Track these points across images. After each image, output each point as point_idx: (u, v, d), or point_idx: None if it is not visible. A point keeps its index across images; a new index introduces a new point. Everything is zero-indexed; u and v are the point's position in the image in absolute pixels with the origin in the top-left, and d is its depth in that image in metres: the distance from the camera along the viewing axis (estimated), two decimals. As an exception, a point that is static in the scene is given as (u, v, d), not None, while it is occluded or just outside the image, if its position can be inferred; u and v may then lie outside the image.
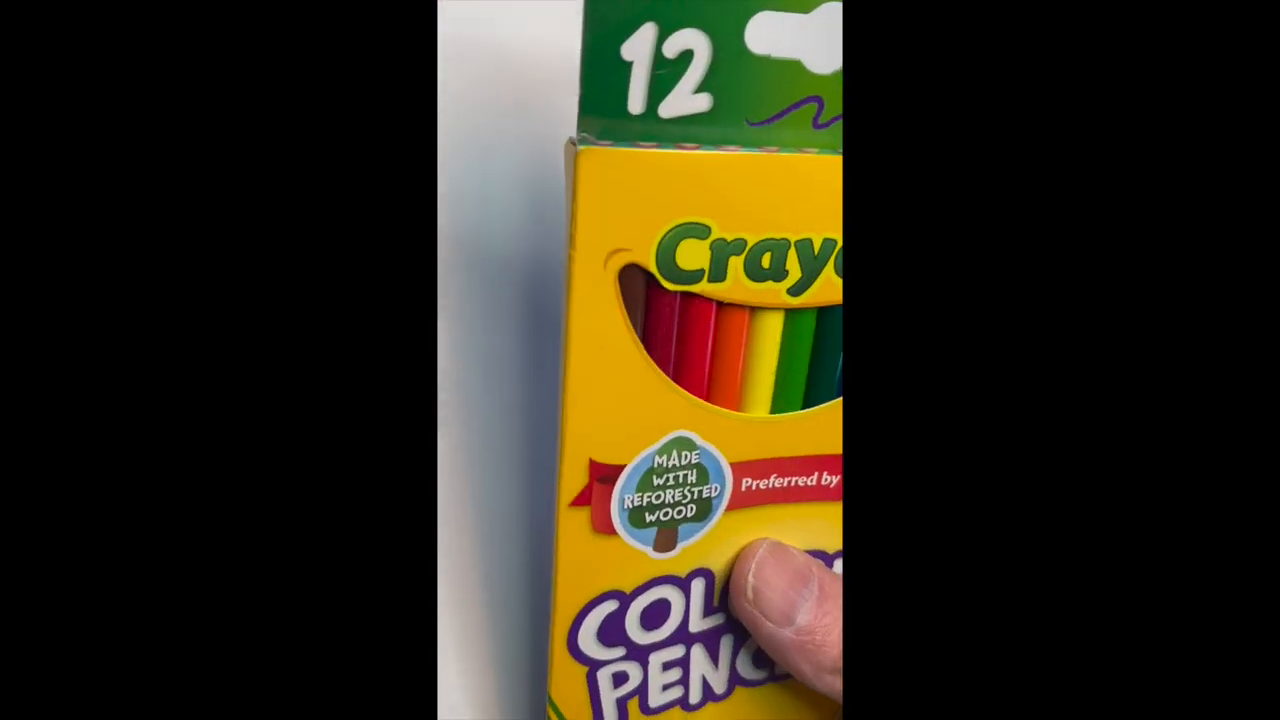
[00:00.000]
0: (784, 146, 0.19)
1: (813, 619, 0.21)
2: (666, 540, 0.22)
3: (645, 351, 0.19)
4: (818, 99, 0.19)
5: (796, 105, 0.19)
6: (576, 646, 0.22)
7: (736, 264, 0.19)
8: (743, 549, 0.23)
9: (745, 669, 0.25)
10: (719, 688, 0.25)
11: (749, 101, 0.18)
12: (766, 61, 0.18)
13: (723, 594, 0.23)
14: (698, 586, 0.23)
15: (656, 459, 0.21)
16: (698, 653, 0.24)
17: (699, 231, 0.19)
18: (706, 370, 0.21)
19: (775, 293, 0.20)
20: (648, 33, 0.17)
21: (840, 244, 0.20)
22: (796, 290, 0.20)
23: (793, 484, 0.22)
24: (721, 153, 0.18)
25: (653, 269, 0.19)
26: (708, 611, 0.23)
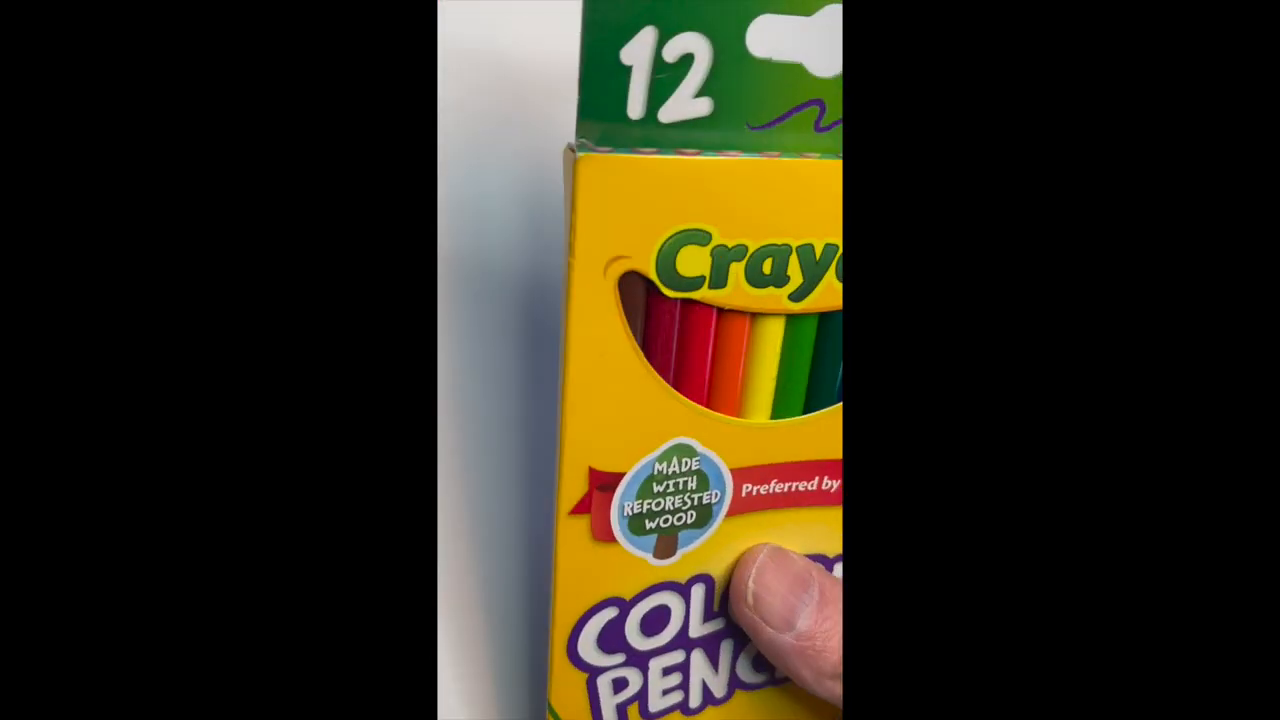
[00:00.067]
0: (785, 151, 0.19)
1: (813, 624, 0.21)
2: (667, 547, 0.22)
3: (645, 359, 0.19)
4: (819, 102, 0.18)
5: (798, 109, 0.18)
6: (576, 653, 0.22)
7: (737, 270, 0.19)
8: (743, 554, 0.22)
9: (745, 673, 0.25)
10: (719, 692, 0.25)
11: (750, 105, 0.18)
12: (768, 65, 0.18)
13: (723, 599, 0.23)
14: (698, 592, 0.23)
15: (656, 466, 0.20)
16: (698, 657, 0.24)
17: (699, 238, 0.18)
18: (707, 377, 0.20)
19: (776, 298, 0.20)
20: (647, 36, 0.17)
21: (842, 249, 0.19)
22: (798, 296, 0.20)
23: (793, 489, 0.22)
24: (722, 158, 0.18)
25: (653, 276, 0.18)
26: (708, 617, 0.23)
